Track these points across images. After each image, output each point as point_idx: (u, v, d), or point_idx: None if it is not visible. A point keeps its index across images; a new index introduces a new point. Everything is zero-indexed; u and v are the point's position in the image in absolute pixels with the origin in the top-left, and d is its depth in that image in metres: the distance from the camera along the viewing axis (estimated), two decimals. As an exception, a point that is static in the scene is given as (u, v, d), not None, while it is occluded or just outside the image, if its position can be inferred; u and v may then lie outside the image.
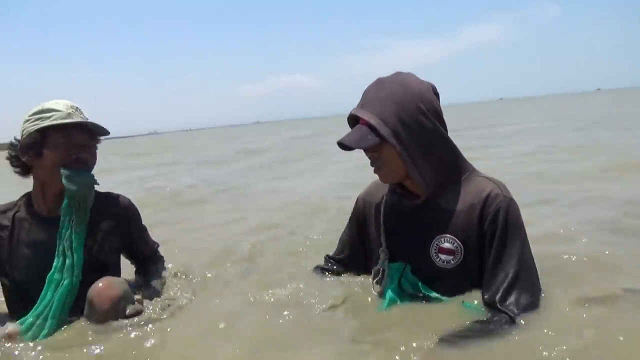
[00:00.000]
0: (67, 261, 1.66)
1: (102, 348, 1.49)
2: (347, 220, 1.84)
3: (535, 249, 1.49)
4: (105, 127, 1.75)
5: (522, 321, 1.34)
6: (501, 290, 1.39)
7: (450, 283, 1.49)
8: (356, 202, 1.79)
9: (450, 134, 1.52)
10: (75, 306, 1.67)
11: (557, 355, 1.24)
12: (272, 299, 1.78)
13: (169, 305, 1.77)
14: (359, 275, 1.79)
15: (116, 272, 1.89)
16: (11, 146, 1.74)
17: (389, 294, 1.57)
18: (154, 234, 2.12)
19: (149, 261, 2.07)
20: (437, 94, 1.51)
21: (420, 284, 1.54)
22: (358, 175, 5.69)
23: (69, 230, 1.69)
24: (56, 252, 1.68)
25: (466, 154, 1.58)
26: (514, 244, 1.41)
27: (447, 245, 1.48)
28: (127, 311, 1.61)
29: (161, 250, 2.15)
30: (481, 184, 1.48)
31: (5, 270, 1.74)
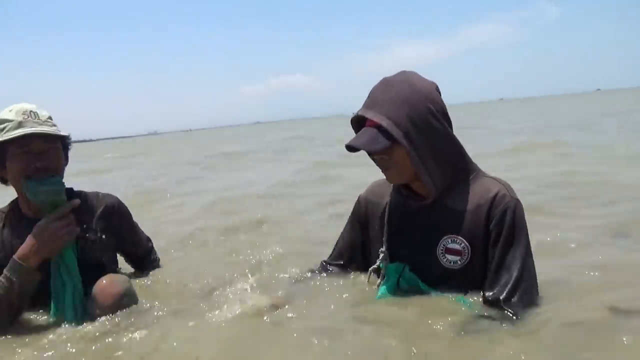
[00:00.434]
0: (61, 266, 1.67)
1: (101, 346, 1.50)
2: (347, 223, 1.82)
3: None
4: (57, 131, 1.70)
5: (524, 320, 1.36)
6: (506, 290, 1.40)
7: (456, 284, 1.50)
8: (357, 202, 1.77)
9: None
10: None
11: (559, 353, 1.25)
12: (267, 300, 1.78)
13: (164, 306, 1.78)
14: (356, 274, 1.80)
15: (113, 268, 1.91)
16: None
17: (383, 289, 1.60)
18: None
19: (144, 261, 2.10)
20: (439, 93, 1.51)
21: (420, 282, 1.55)
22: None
23: None
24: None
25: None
26: (519, 245, 1.43)
27: (454, 245, 1.48)
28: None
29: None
30: (487, 185, 1.48)
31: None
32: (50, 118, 1.75)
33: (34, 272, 1.61)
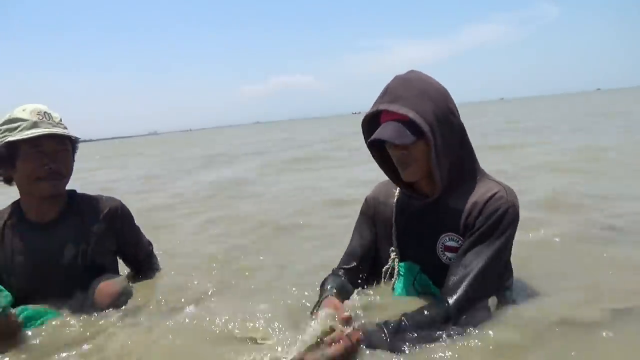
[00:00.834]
0: None
1: (99, 346, 1.50)
2: (356, 226, 1.76)
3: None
4: (70, 133, 1.70)
5: (453, 312, 1.36)
6: (452, 280, 1.40)
7: None
8: (365, 203, 1.75)
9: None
10: (75, 304, 1.68)
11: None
12: (272, 301, 1.78)
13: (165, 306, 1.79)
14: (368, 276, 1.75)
15: (114, 272, 1.89)
16: None
17: (399, 289, 1.58)
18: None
19: (143, 264, 2.07)
20: None
21: (431, 284, 1.55)
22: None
23: None
24: None
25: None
26: (491, 245, 1.41)
27: (452, 243, 1.49)
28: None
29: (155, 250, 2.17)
30: (490, 186, 1.49)
31: (2, 278, 1.72)
32: (61, 120, 1.75)
33: None
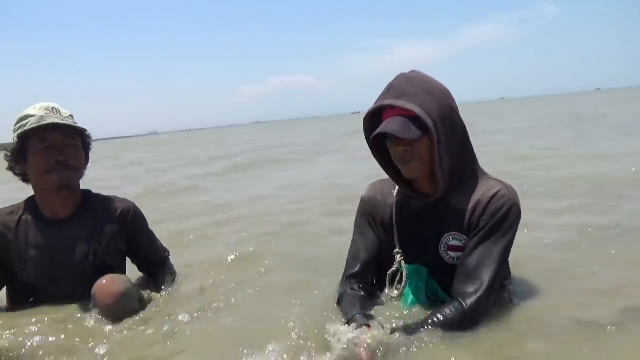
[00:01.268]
0: None
1: (103, 346, 1.50)
2: (356, 230, 1.72)
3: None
4: (75, 124, 1.72)
5: (470, 314, 1.37)
6: (475, 296, 1.39)
7: None
8: (362, 203, 1.72)
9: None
10: (80, 302, 1.70)
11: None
12: (280, 307, 1.77)
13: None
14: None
15: (121, 272, 1.88)
16: (6, 158, 1.76)
17: (411, 297, 1.55)
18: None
19: (157, 269, 2.04)
20: None
21: (439, 289, 1.54)
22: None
23: None
24: None
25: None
26: (498, 244, 1.43)
27: (455, 242, 1.49)
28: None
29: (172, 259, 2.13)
30: (491, 185, 1.49)
31: (15, 271, 1.75)
32: (71, 116, 1.77)
33: None
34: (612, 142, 7.37)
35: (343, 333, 1.27)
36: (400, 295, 1.58)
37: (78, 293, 1.72)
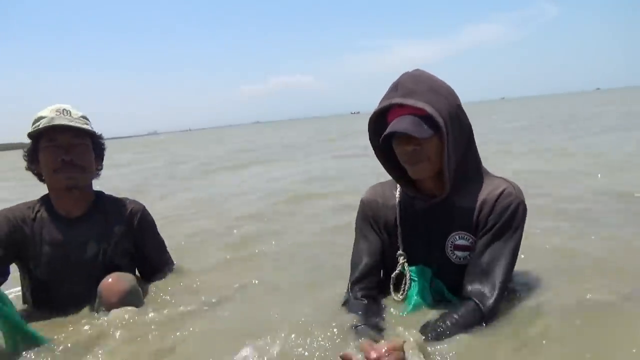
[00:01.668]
0: None
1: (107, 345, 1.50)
2: (357, 234, 1.67)
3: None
4: (83, 125, 1.75)
5: (487, 314, 1.38)
6: (494, 296, 1.40)
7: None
8: (362, 205, 1.68)
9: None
10: (89, 301, 1.72)
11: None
12: (279, 304, 1.78)
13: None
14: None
15: (130, 272, 1.88)
16: (24, 157, 1.82)
17: (415, 298, 1.53)
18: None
19: (156, 274, 1.99)
20: None
21: (445, 290, 1.54)
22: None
23: None
24: None
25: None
26: (509, 242, 1.44)
27: (462, 242, 1.49)
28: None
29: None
30: (497, 183, 1.49)
31: (29, 266, 1.78)
32: (83, 117, 1.80)
33: None
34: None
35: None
36: (405, 298, 1.56)
37: (88, 291, 1.73)
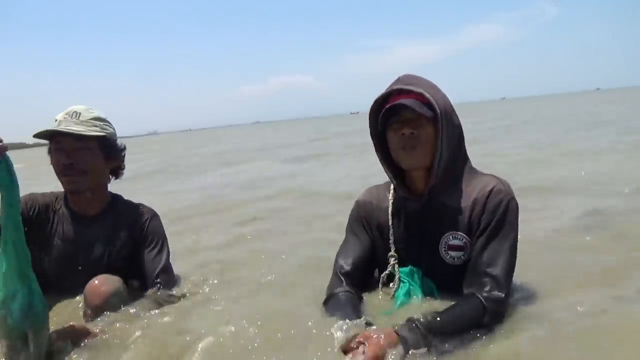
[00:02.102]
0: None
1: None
2: (348, 234, 1.70)
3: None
4: (77, 130, 1.70)
5: (491, 311, 1.37)
6: (480, 283, 1.40)
7: (462, 278, 1.48)
8: (356, 206, 1.72)
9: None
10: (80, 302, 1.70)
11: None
12: (271, 300, 1.78)
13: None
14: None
15: (133, 276, 1.84)
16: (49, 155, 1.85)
17: (402, 298, 1.54)
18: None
19: (148, 281, 1.84)
20: None
21: (435, 288, 1.54)
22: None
23: None
24: None
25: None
26: (506, 240, 1.44)
27: (455, 242, 1.50)
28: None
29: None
30: (486, 181, 1.51)
31: (41, 257, 1.78)
32: (95, 119, 1.79)
33: None
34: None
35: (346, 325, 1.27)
36: (392, 297, 1.57)
37: None
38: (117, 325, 1.57)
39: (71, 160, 1.72)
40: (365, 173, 5.91)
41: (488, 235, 1.44)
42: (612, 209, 3.03)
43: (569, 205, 3.29)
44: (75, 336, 1.46)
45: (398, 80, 1.52)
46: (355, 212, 1.72)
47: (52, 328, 1.50)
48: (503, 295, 1.38)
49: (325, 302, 1.56)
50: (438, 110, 1.43)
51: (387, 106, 1.46)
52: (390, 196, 1.64)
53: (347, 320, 1.28)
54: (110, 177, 1.92)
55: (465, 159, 1.57)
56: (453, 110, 1.52)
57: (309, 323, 1.47)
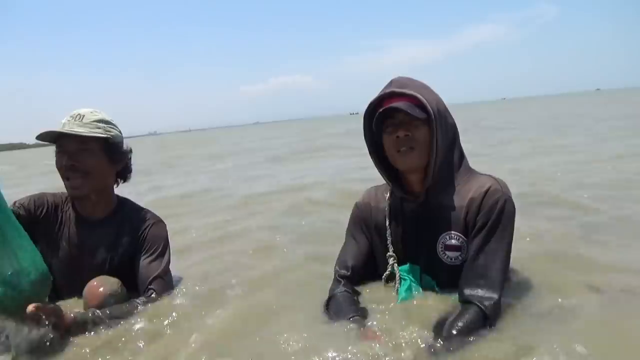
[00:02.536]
0: None
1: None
2: (348, 235, 1.73)
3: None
4: (77, 132, 1.69)
5: (491, 316, 1.36)
6: (476, 284, 1.40)
7: (459, 278, 1.47)
8: (356, 208, 1.74)
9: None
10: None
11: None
12: (273, 303, 1.76)
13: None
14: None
15: (134, 281, 1.81)
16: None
17: (403, 295, 1.55)
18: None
19: (143, 287, 1.80)
20: None
21: (435, 285, 1.55)
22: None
23: None
24: None
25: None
26: (502, 240, 1.44)
27: (452, 242, 1.50)
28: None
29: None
30: (482, 181, 1.51)
31: (47, 257, 1.71)
32: (98, 121, 1.76)
33: None
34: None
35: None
36: (395, 294, 1.58)
37: None
38: (110, 325, 1.57)
39: (73, 161, 1.72)
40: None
41: (484, 237, 1.44)
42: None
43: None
44: (47, 316, 1.42)
45: (391, 83, 1.54)
46: (355, 215, 1.74)
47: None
48: (497, 296, 1.38)
49: (326, 304, 1.59)
50: (431, 112, 1.44)
51: (380, 110, 1.48)
52: (388, 197, 1.65)
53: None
54: (119, 180, 1.90)
55: (461, 156, 1.57)
56: (447, 110, 1.53)
57: (309, 322, 1.47)
